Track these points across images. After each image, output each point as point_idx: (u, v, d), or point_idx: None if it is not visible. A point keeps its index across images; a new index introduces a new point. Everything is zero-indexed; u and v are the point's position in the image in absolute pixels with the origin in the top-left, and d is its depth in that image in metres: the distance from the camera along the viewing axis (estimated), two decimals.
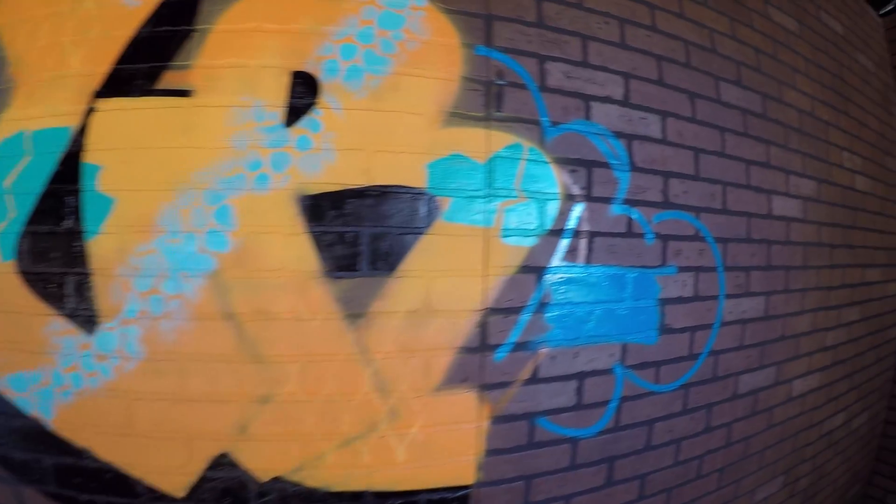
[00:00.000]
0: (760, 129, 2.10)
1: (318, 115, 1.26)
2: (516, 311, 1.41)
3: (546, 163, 1.43)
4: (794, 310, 2.31)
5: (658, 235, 1.66)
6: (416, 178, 1.30)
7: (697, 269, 1.80)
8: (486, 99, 1.38)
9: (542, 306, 1.44)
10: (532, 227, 1.41)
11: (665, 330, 1.71)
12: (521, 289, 1.41)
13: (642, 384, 1.68)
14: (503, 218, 1.37)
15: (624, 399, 1.65)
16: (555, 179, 1.44)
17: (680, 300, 1.76)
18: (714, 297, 1.88)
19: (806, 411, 2.51)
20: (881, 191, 3.05)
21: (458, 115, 1.33)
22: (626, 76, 1.61)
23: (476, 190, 1.35)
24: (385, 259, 1.29)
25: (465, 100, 1.35)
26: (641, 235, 1.61)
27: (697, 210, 1.80)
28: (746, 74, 2.06)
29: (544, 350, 1.47)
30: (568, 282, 1.47)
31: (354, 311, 1.28)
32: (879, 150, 3.06)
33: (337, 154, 1.27)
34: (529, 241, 1.41)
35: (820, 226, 2.46)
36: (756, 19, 2.16)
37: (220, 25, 1.30)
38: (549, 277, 1.44)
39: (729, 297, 1.94)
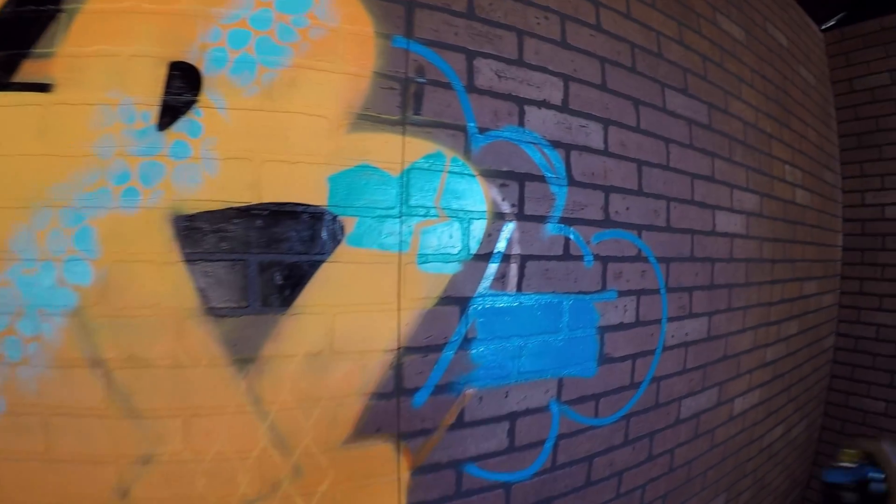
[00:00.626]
0: (706, 141, 1.97)
1: (199, 115, 1.02)
2: (437, 348, 1.20)
3: (472, 176, 1.23)
4: (736, 328, 2.22)
5: (597, 257, 1.49)
6: (315, 193, 1.07)
7: (639, 293, 1.65)
8: (403, 99, 1.16)
9: (468, 342, 1.24)
10: (455, 251, 1.21)
11: (605, 360, 1.55)
12: (442, 323, 1.20)
13: (581, 419, 1.51)
14: (420, 241, 1.16)
15: (561, 437, 1.48)
16: (482, 195, 1.24)
17: (621, 327, 1.60)
18: (657, 322, 1.74)
19: (747, 428, 2.44)
20: (819, 204, 3.04)
21: (368, 118, 1.11)
22: (567, 79, 1.43)
23: (388, 208, 1.13)
24: (278, 293, 1.06)
25: (377, 100, 1.13)
26: (580, 258, 1.44)
27: (640, 228, 1.65)
28: (693, 82, 1.93)
29: (470, 391, 1.27)
30: (497, 313, 1.28)
31: (244, 356, 1.05)
32: (818, 163, 3.05)
33: (220, 164, 1.02)
34: (451, 268, 1.20)
35: (762, 241, 2.39)
36: (704, 25, 2.04)
37: (91, 4, 1.02)
38: (475, 309, 1.24)
39: (671, 320, 1.80)
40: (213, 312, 1.03)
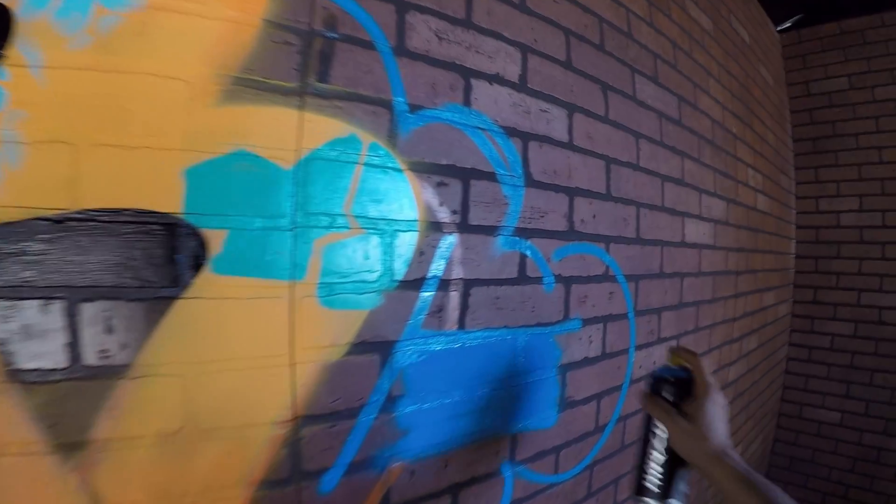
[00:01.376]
0: (676, 138, 1.71)
1: (4, 78, 0.63)
2: (350, 414, 0.84)
3: (398, 170, 0.87)
4: (702, 350, 1.98)
5: (559, 278, 1.18)
6: (164, 194, 0.69)
7: (606, 319, 1.36)
8: (304, 60, 0.79)
9: (393, 402, 0.89)
10: (373, 277, 0.84)
11: (566, 405, 1.25)
12: (355, 379, 0.84)
13: (538, 479, 1.21)
14: (323, 264, 0.80)
15: (515, 503, 1.15)
16: (412, 198, 0.89)
17: (585, 362, 1.30)
18: (624, 352, 1.45)
19: None
20: (776, 210, 2.88)
21: (250, 85, 0.74)
22: (525, 50, 1.11)
23: (276, 216, 0.76)
24: (112, 346, 0.66)
25: (266, 59, 0.75)
26: (538, 280, 1.12)
27: (608, 241, 1.36)
28: (663, 71, 1.66)
29: (398, 465, 0.92)
30: (432, 360, 0.93)
31: (69, 439, 0.65)
32: (776, 167, 2.89)
33: (27, 151, 0.62)
34: (368, 302, 0.84)
35: (727, 252, 2.17)
36: (674, 10, 1.79)
37: None
38: (403, 356, 0.89)
39: (640, 348, 1.53)
40: (20, 378, 0.62)
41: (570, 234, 1.24)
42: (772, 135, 2.86)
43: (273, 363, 0.79)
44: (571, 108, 1.25)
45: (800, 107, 3.21)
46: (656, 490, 0.86)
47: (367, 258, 0.85)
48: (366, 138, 0.85)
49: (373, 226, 0.85)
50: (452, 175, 0.95)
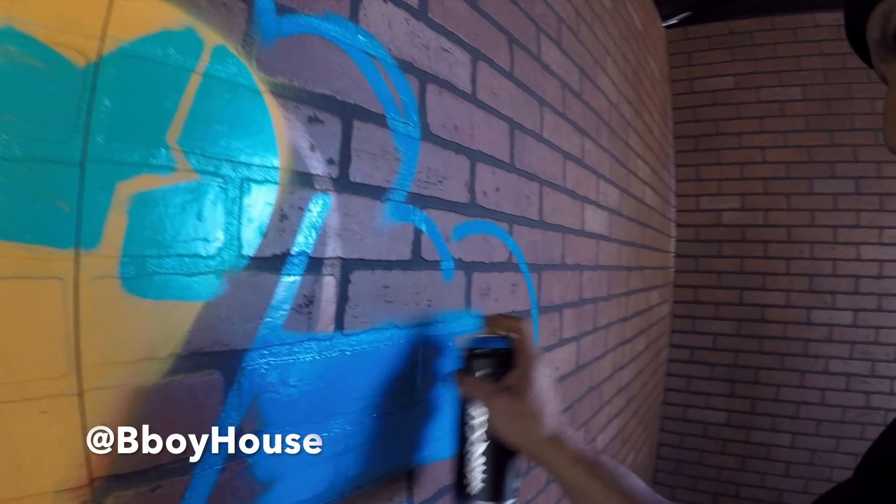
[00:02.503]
0: (578, 114, 1.69)
1: None
2: (180, 468, 0.59)
3: (255, 91, 0.66)
4: (599, 352, 1.99)
5: (460, 264, 1.04)
6: None
7: None
8: None
9: (246, 443, 0.65)
10: (210, 251, 0.61)
11: None
12: (186, 412, 0.60)
13: None
14: (130, 226, 0.55)
15: None
16: (272, 134, 0.68)
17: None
18: None
19: None
20: (660, 206, 3.05)
21: None
22: None
23: (53, 140, 0.50)
24: None
25: None
26: (436, 265, 0.97)
27: (511, 221, 1.25)
28: (567, 38, 1.63)
29: None
30: (299, 377, 0.72)
31: None
32: (660, 162, 3.06)
33: None
34: (203, 290, 0.61)
35: (620, 245, 2.21)
36: None
37: None
38: (256, 374, 0.66)
39: (543, 350, 1.44)
40: None
41: (472, 208, 1.11)
42: (657, 129, 3.03)
43: (47, 391, 0.53)
44: (476, 55, 1.11)
45: (683, 104, 3.46)
46: (483, 491, 0.79)
47: (202, 219, 0.62)
48: (210, 38, 0.62)
49: (212, 169, 0.63)
50: (330, 110, 0.75)
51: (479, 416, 0.79)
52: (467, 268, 1.11)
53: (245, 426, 0.66)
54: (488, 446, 0.78)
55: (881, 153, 3.14)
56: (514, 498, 0.80)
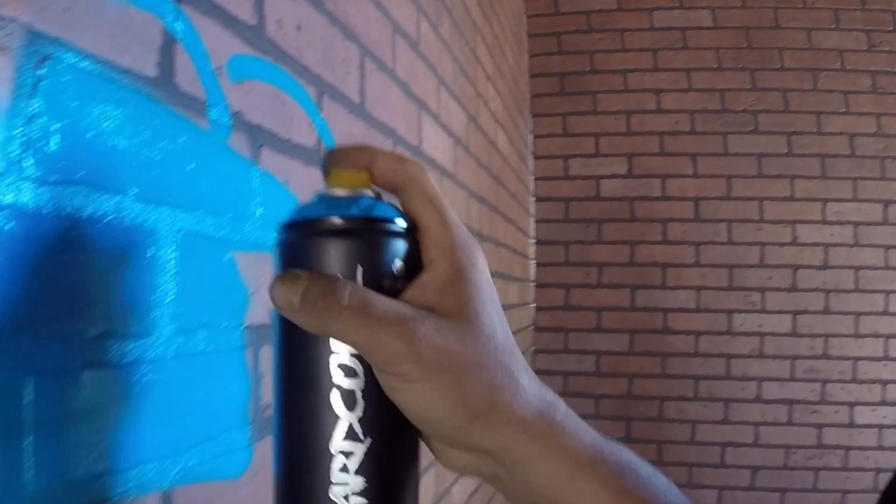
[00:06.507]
0: None
1: None
2: None
3: None
4: None
5: (239, 122, 0.75)
6: None
7: None
8: None
9: None
10: None
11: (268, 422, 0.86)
12: None
13: None
14: None
15: None
16: None
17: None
18: None
19: None
20: (516, 164, 2.55)
21: None
22: None
23: None
24: None
25: None
26: (199, 106, 0.66)
27: (319, 86, 0.96)
28: None
29: None
30: None
31: None
32: (515, 104, 2.60)
33: None
34: None
35: (469, 196, 1.86)
36: None
37: None
38: None
39: None
40: None
41: (260, 38, 0.81)
42: (510, 53, 2.54)
43: None
44: None
45: (543, 28, 2.85)
46: None
47: None
48: None
49: None
50: None
51: (352, 377, 0.35)
52: (252, 133, 0.78)
53: None
54: (373, 443, 0.36)
55: (822, 100, 2.73)
56: None
